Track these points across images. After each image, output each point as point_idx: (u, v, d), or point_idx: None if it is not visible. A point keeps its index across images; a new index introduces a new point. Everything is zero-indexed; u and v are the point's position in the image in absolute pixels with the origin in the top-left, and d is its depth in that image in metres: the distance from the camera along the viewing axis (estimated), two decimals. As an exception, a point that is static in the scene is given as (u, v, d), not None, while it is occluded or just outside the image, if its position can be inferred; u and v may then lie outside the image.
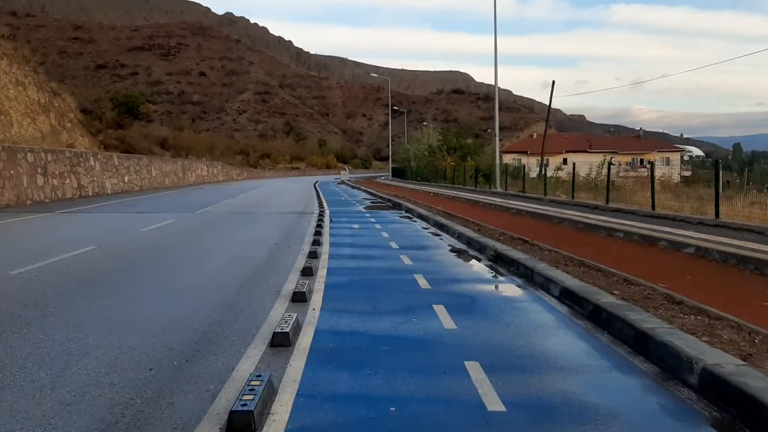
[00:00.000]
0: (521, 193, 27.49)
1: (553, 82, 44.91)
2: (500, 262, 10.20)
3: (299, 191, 40.11)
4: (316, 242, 12.61)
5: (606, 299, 6.65)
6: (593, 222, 15.11)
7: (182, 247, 12.45)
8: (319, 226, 15.90)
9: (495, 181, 30.54)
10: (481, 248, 11.64)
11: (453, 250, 12.27)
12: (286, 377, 4.67)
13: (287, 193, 37.36)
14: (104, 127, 53.56)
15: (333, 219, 18.84)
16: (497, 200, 24.77)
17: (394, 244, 12.71)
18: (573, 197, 21.19)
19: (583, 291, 7.11)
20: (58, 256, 10.48)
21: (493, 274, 9.53)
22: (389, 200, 28.16)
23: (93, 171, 30.62)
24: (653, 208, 16.88)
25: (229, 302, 7.23)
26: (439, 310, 6.86)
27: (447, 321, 6.41)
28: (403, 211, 22.23)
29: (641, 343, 5.39)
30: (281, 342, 5.45)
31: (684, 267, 9.54)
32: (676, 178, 46.17)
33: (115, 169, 34.02)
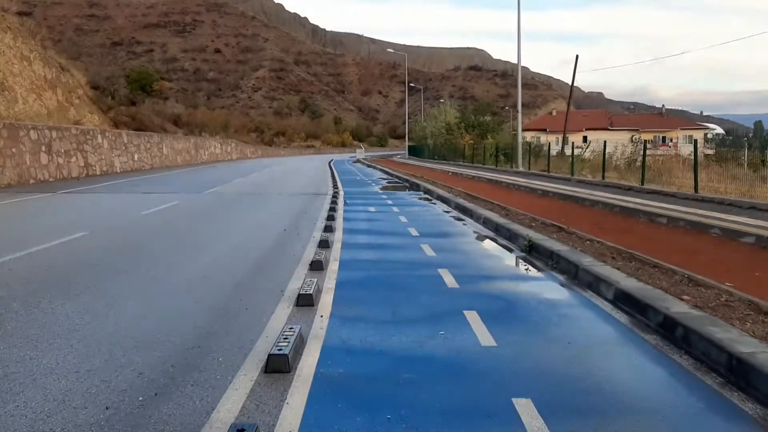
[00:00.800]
0: (545, 173, 26.15)
1: (577, 56, 43.21)
2: (535, 254, 9.01)
3: (313, 170, 38.99)
4: (328, 228, 11.48)
5: (677, 308, 5.45)
6: (630, 205, 13.82)
7: (181, 234, 11.38)
8: (332, 209, 14.77)
9: (517, 159, 29.16)
10: (511, 236, 10.44)
11: (479, 237, 11.10)
12: (280, 426, 3.54)
13: (301, 173, 36.25)
14: (116, 104, 52.71)
15: (347, 201, 17.70)
16: (521, 180, 23.47)
17: (413, 231, 11.55)
18: (603, 177, 19.83)
19: (645, 295, 5.91)
20: (42, 244, 9.44)
21: (529, 269, 8.34)
22: (406, 180, 26.94)
23: (101, 149, 29.66)
24: (696, 190, 15.52)
25: (222, 306, 6.13)
26: (472, 318, 5.71)
27: (483, 334, 5.25)
28: (421, 192, 21.02)
29: (739, 374, 4.19)
30: (278, 367, 4.32)
31: (748, 260, 8.29)
32: (699, 157, 44.42)
33: (124, 147, 33.06)
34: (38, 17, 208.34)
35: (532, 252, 9.12)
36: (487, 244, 10.45)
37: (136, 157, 34.82)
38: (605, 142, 21.99)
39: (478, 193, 18.29)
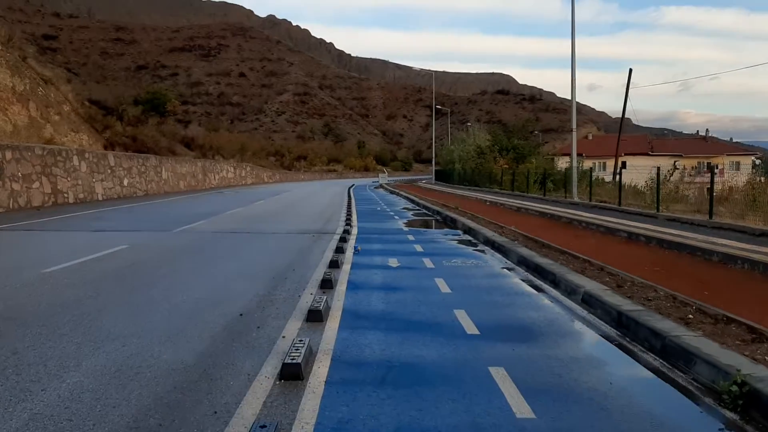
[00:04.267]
0: (611, 205, 20.95)
1: (630, 70, 38.25)
2: (758, 410, 3.96)
3: (329, 197, 34.19)
4: (316, 314, 6.49)
5: None
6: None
7: (64, 320, 6.48)
8: (335, 263, 9.86)
9: (572, 188, 24.09)
10: (670, 350, 5.33)
11: (596, 344, 6.01)
12: None
13: (313, 201, 31.46)
14: (124, 125, 48.70)
15: (360, 245, 12.81)
16: (585, 215, 18.34)
17: (465, 320, 6.52)
18: (711, 216, 14.57)
19: None
20: None
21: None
22: (437, 212, 21.96)
23: (77, 173, 25.18)
24: None
25: None
26: None
27: None
28: (459, 232, 15.97)
29: None
30: None
31: None
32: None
33: (110, 171, 28.61)
34: (64, 41, 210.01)
35: (751, 403, 4.05)
36: (624, 365, 5.38)
37: (125, 182, 30.34)
38: (713, 166, 16.94)
39: (542, 235, 13.21)
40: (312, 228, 16.45)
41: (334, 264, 9.84)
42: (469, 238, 14.60)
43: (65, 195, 24.00)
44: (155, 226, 16.52)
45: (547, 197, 26.64)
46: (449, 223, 18.60)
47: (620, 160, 73.18)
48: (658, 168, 17.92)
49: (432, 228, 17.92)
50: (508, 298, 7.76)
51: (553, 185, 29.04)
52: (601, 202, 23.39)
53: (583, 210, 20.85)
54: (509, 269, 10.05)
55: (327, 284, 8.13)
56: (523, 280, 9.02)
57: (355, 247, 12.06)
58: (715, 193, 29.14)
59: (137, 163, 32.27)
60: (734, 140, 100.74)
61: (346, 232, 15.00)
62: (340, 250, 11.60)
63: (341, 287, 8.17)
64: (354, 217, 20.54)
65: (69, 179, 24.44)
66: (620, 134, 42.35)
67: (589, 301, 7.11)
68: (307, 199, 33.27)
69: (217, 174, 49.66)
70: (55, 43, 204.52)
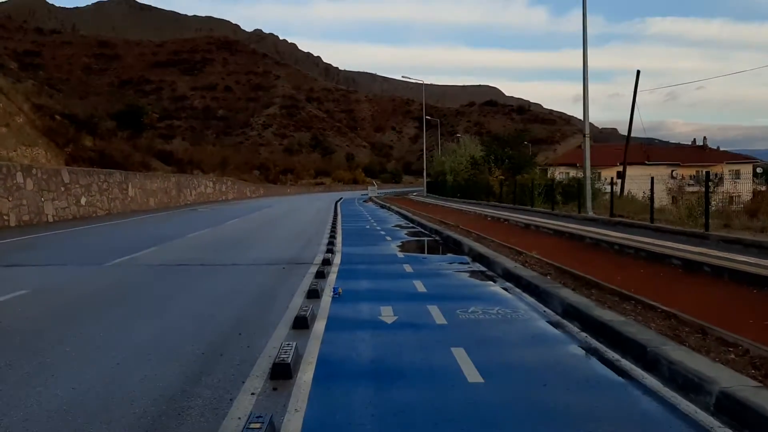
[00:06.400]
0: (639, 222, 17.94)
1: (638, 72, 35.45)
2: None
3: (313, 214, 31.04)
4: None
5: None
6: None
7: None
8: (301, 322, 6.74)
9: (586, 202, 21.12)
10: None
11: None
12: None
13: (295, 218, 28.31)
14: (95, 139, 45.39)
15: (344, 278, 9.76)
16: (615, 235, 15.30)
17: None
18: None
19: None
20: None
21: None
22: (436, 231, 18.88)
23: (21, 191, 21.94)
24: None
25: None
26: None
27: None
28: (467, 259, 12.88)
29: None
30: None
31: None
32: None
33: (63, 189, 25.35)
34: (47, 57, 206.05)
35: None
36: None
37: (83, 200, 27.06)
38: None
39: (577, 266, 10.16)
40: (285, 256, 13.31)
41: (302, 322, 6.72)
42: (482, 268, 11.50)
43: (5, 217, 20.75)
44: (88, 257, 13.34)
45: (556, 212, 23.61)
46: (452, 245, 15.51)
47: (615, 170, 70.57)
48: (707, 173, 14.93)
49: (432, 253, 14.82)
50: (582, 398, 4.64)
51: (562, 198, 26.07)
52: (620, 216, 20.40)
53: (605, 227, 17.82)
54: (555, 325, 6.95)
55: (282, 371, 4.99)
56: (586, 350, 5.92)
57: (334, 289, 8.92)
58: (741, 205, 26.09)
59: (98, 180, 29.00)
60: (722, 149, 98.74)
61: (327, 261, 11.89)
62: (313, 293, 8.49)
63: (305, 376, 5.03)
64: (339, 238, 17.46)
65: (10, 199, 21.19)
66: (628, 141, 39.72)
67: (734, 411, 4.01)
68: (288, 216, 30.12)
69: (194, 189, 46.40)
70: (38, 59, 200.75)
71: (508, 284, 9.60)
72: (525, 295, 8.69)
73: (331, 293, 8.72)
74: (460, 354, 5.63)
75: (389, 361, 5.52)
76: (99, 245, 16.21)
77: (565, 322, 7.05)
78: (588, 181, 21.62)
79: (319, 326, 6.79)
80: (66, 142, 35.78)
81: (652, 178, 17.49)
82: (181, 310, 7.85)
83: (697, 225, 16.19)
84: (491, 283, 9.89)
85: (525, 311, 7.67)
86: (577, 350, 5.91)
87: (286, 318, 7.12)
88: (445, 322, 7.02)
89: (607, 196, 27.65)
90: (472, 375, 5.03)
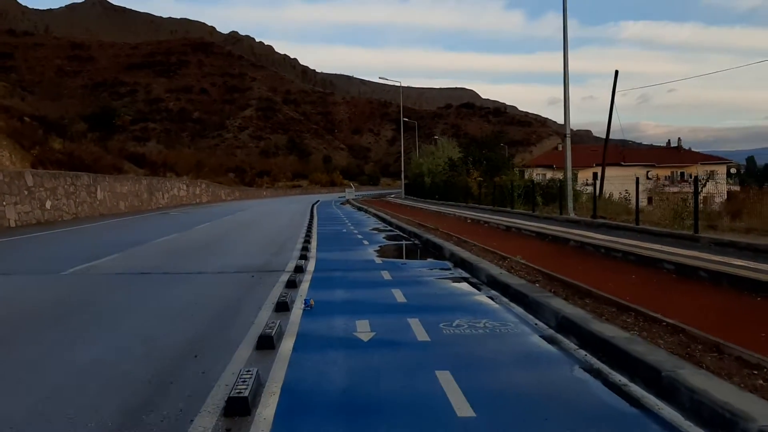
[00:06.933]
0: (623, 224, 17.41)
1: (616, 72, 35.20)
2: None
3: (288, 217, 30.18)
4: None
5: None
6: None
7: None
8: (266, 341, 5.99)
9: (567, 203, 20.56)
10: None
11: None
12: None
13: (269, 221, 27.44)
14: (64, 142, 44.01)
15: (317, 287, 9.02)
16: (600, 238, 14.74)
17: None
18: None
19: None
20: None
21: None
22: (415, 234, 18.18)
23: (-21, 195, 20.82)
24: None
25: None
26: None
27: None
28: (449, 264, 12.19)
29: None
30: None
31: None
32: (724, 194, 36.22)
33: (27, 192, 24.22)
34: (19, 59, 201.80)
35: None
36: None
37: (48, 204, 25.93)
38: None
39: (565, 271, 9.53)
40: (256, 262, 12.51)
41: (267, 342, 5.97)
42: (465, 274, 10.81)
43: (-40, 223, 19.64)
44: (43, 265, 12.42)
45: (536, 214, 23.05)
46: (432, 249, 14.82)
47: (591, 171, 70.66)
48: (695, 177, 14.43)
49: (411, 258, 14.13)
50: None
51: (542, 200, 25.53)
52: (601, 218, 19.88)
53: (588, 229, 17.30)
54: (550, 341, 6.27)
55: (238, 407, 4.23)
56: (588, 371, 5.24)
57: (306, 301, 8.16)
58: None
59: (64, 183, 27.87)
60: (693, 150, 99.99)
61: (299, 269, 11.11)
62: (282, 306, 7.72)
63: (265, 411, 4.27)
64: (314, 242, 16.69)
65: (-34, 203, 20.08)
66: (607, 141, 39.47)
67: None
68: (263, 219, 29.23)
69: (166, 192, 45.22)
70: (10, 61, 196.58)
71: (494, 292, 8.92)
72: (513, 305, 8.01)
73: (302, 305, 7.97)
74: (446, 379, 4.92)
75: (365, 390, 4.78)
76: (58, 252, 15.25)
77: (560, 337, 6.37)
78: (569, 182, 21.11)
79: (287, 346, 6.03)
80: (32, 144, 34.48)
81: (637, 179, 16.98)
82: (133, 326, 7.03)
83: (684, 227, 15.71)
84: (476, 291, 9.21)
85: (515, 324, 6.99)
86: (578, 372, 5.23)
87: (249, 336, 6.35)
88: (428, 339, 6.30)
89: (586, 198, 27.25)
90: (462, 407, 4.32)
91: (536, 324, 6.97)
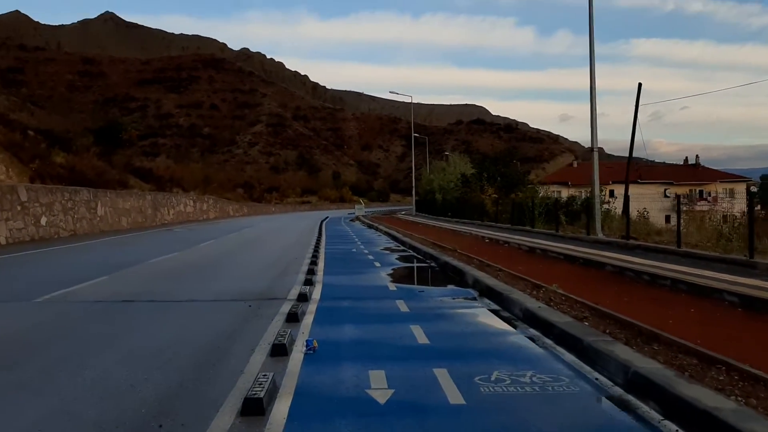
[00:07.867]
0: (663, 246, 15.91)
1: (640, 84, 33.78)
2: None
3: (296, 235, 28.84)
4: None
5: None
6: None
7: None
8: (254, 404, 4.56)
9: (595, 223, 19.12)
10: None
11: None
12: None
13: (275, 239, 26.10)
14: (68, 156, 43.05)
15: (322, 321, 7.65)
16: (639, 262, 13.26)
17: None
18: None
19: None
20: None
21: None
22: (431, 256, 16.75)
23: (-33, 210, 19.61)
24: None
25: None
26: None
27: None
28: (473, 293, 10.74)
29: None
30: None
31: None
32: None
33: (20, 208, 23.02)
34: (30, 74, 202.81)
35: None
36: None
37: (43, 221, 24.72)
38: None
39: (613, 305, 8.10)
40: (256, 288, 11.12)
41: (255, 406, 4.57)
42: (494, 305, 9.38)
43: (-55, 240, 18.42)
44: (15, 290, 11.08)
45: (560, 234, 21.58)
46: (451, 274, 13.39)
47: (608, 188, 69.02)
48: (749, 188, 12.97)
49: (429, 284, 12.70)
50: None
51: (566, 218, 24.04)
52: (632, 238, 18.36)
53: (622, 252, 15.81)
54: (622, 406, 4.81)
55: None
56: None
57: (308, 342, 6.74)
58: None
59: (61, 198, 26.67)
60: (708, 167, 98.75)
61: (303, 297, 9.72)
62: (280, 349, 6.33)
63: None
64: (321, 263, 15.32)
65: (-48, 219, 18.87)
66: (630, 157, 38.02)
67: None
68: (269, 236, 27.91)
69: (172, 208, 44.04)
70: (21, 76, 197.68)
71: (533, 332, 7.48)
72: (561, 349, 6.57)
73: (303, 347, 6.57)
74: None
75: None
76: (38, 274, 13.94)
77: (633, 400, 4.93)
78: (598, 200, 19.67)
79: (281, 410, 4.63)
80: (32, 157, 33.42)
81: (678, 196, 15.52)
82: (92, 377, 5.65)
83: (728, 249, 14.22)
84: (511, 329, 7.77)
85: (570, 379, 5.55)
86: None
87: (235, 394, 4.96)
88: (463, 402, 4.88)
89: (611, 217, 25.76)
90: None
91: (597, 379, 5.53)
